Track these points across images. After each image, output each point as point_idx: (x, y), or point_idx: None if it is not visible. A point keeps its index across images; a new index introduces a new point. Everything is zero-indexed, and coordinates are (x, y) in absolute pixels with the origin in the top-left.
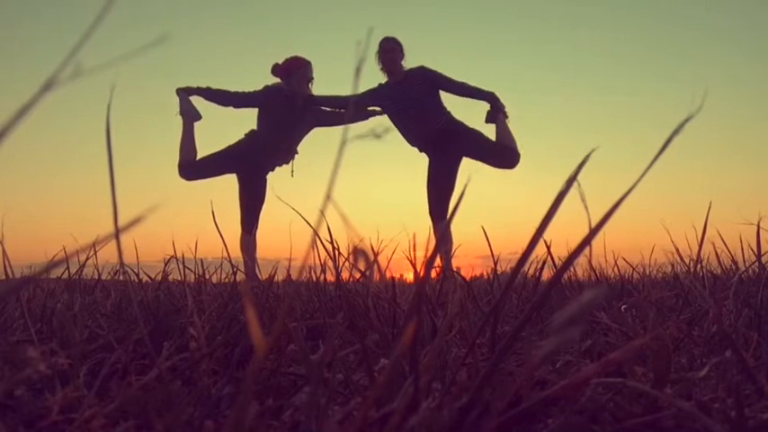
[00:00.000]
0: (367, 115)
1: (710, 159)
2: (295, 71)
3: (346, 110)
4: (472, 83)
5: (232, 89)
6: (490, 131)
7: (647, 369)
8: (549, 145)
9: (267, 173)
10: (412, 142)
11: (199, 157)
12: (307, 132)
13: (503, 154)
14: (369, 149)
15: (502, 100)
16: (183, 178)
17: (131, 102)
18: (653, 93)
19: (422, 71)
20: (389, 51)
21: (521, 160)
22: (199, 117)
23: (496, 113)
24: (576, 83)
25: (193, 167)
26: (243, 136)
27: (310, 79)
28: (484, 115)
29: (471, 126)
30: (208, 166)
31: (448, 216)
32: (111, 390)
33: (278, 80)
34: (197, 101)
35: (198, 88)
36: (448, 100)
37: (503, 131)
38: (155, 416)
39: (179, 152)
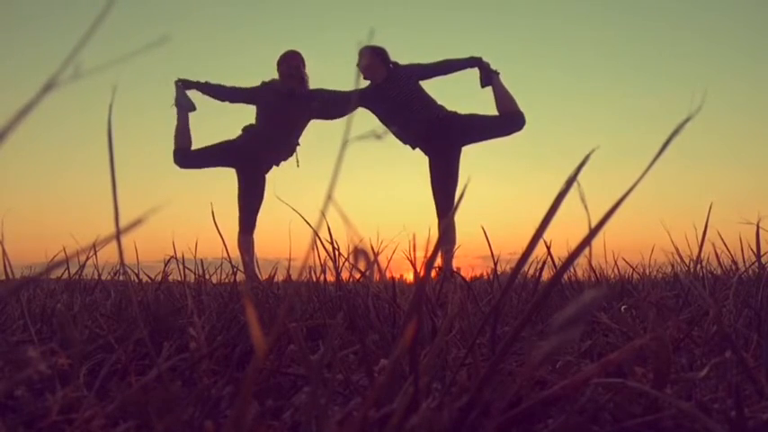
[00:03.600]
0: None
1: (710, 160)
2: (279, 66)
3: (346, 105)
4: (471, 82)
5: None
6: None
7: (647, 369)
8: (549, 145)
9: (267, 170)
10: (405, 140)
11: (195, 148)
12: (305, 124)
13: (506, 122)
14: (369, 150)
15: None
16: (177, 165)
17: (132, 102)
18: (653, 93)
19: (400, 70)
20: (359, 61)
21: (526, 122)
22: (193, 108)
23: (488, 75)
24: (576, 83)
25: (188, 155)
26: (240, 131)
27: (291, 73)
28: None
29: (465, 112)
30: (202, 156)
31: (450, 214)
32: (111, 390)
33: (275, 77)
34: (195, 94)
35: (197, 82)
36: (443, 89)
37: (501, 92)
38: (155, 416)
39: (174, 140)
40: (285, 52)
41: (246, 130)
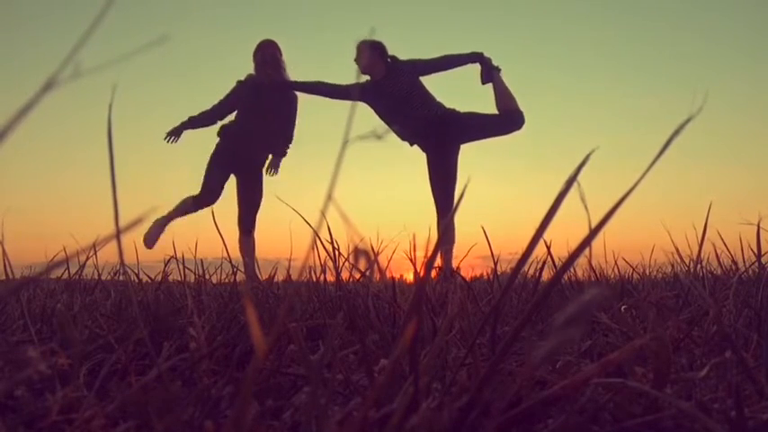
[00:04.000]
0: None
1: (710, 160)
2: (254, 56)
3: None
4: (470, 81)
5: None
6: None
7: (647, 369)
8: (549, 145)
9: (261, 165)
10: (403, 137)
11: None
12: (288, 112)
13: (505, 120)
14: (369, 150)
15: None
16: (206, 206)
17: (132, 102)
18: (653, 93)
19: (400, 65)
20: (357, 56)
21: (526, 120)
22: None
23: (489, 71)
24: (576, 83)
25: (203, 191)
26: (217, 136)
27: (265, 61)
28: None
29: (463, 110)
30: (210, 181)
31: (449, 213)
32: (111, 390)
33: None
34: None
35: (182, 124)
36: (442, 86)
37: (501, 89)
38: (155, 416)
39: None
40: (260, 42)
41: (222, 131)
